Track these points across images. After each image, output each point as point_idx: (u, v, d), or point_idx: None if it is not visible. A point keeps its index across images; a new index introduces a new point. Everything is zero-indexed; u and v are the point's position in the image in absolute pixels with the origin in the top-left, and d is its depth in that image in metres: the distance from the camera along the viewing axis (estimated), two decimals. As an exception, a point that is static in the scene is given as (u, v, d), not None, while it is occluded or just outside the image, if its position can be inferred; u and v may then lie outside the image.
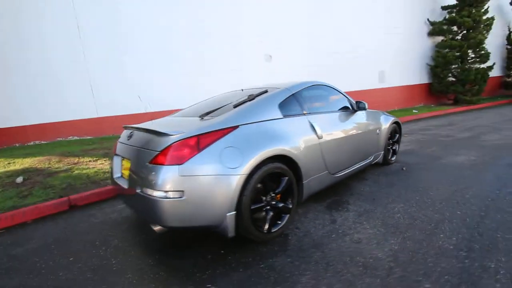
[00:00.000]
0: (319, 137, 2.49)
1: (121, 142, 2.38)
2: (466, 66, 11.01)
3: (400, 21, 10.68)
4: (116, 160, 2.36)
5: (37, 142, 6.34)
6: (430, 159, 4.08)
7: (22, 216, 2.75)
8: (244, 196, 1.84)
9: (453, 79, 11.27)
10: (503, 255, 1.74)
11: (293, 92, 2.57)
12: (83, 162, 4.22)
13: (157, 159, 1.76)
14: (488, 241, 1.90)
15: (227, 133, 1.92)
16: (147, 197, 1.76)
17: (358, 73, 9.90)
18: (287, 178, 2.12)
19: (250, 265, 1.82)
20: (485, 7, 11.02)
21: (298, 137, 2.31)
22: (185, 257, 1.96)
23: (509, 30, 13.21)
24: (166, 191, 1.69)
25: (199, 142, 1.80)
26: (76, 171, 3.83)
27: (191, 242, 2.15)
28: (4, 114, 6.04)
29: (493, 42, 12.09)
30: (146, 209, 1.84)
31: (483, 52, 11.03)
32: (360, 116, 3.24)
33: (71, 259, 2.03)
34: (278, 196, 2.11)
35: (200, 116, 2.20)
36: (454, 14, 11.01)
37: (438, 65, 11.11)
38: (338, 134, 2.78)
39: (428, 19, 11.35)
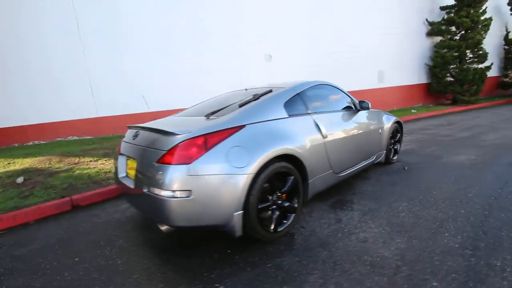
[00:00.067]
0: (324, 137, 2.50)
1: (126, 142, 2.36)
2: (464, 66, 11.08)
3: (399, 21, 10.73)
4: (121, 159, 2.35)
5: (36, 142, 6.30)
6: (430, 158, 4.10)
7: (24, 217, 2.73)
8: (252, 196, 1.84)
9: (452, 79, 11.34)
10: (508, 253, 1.75)
11: (298, 92, 2.58)
12: (83, 162, 4.20)
13: (165, 159, 1.75)
14: (493, 240, 1.91)
15: (234, 132, 1.91)
16: (155, 196, 1.75)
17: (358, 73, 9.93)
18: (293, 177, 2.12)
19: (257, 264, 1.82)
20: (483, 7, 11.09)
21: (303, 137, 2.31)
22: (192, 256, 1.95)
23: (506, 31, 13.31)
24: (173, 191, 1.69)
25: (206, 142, 1.80)
26: (77, 171, 3.81)
27: (198, 242, 2.15)
28: (3, 114, 5.99)
29: (491, 43, 12.20)
30: (153, 209, 1.83)
31: (481, 52, 11.11)
32: (363, 116, 3.25)
33: (76, 259, 2.02)
34: (284, 195, 2.11)
35: (206, 116, 2.19)
36: (452, 15, 11.08)
37: (437, 65, 11.18)
38: (342, 133, 2.79)
39: (426, 19, 11.41)
